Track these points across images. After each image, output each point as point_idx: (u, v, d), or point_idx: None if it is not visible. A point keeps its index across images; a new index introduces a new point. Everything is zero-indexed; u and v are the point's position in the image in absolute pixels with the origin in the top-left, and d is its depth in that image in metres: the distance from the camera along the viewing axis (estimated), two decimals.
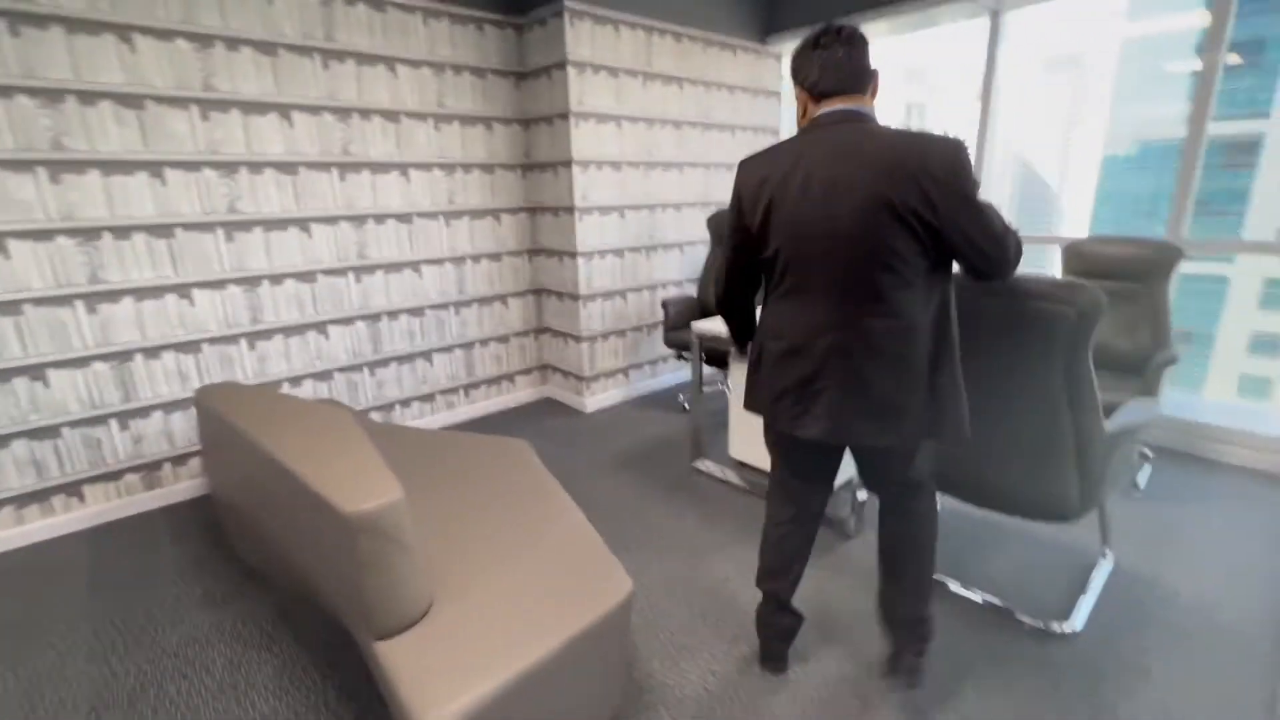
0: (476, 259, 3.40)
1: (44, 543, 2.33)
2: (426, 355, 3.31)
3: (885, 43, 3.84)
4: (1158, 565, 2.00)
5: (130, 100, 2.29)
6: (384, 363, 3.16)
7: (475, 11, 3.12)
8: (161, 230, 2.43)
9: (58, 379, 2.30)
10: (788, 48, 4.00)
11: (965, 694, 1.52)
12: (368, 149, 2.90)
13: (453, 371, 3.44)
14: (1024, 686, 1.54)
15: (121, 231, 2.35)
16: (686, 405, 3.56)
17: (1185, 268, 2.50)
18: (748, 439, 2.62)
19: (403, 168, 3.03)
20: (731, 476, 2.67)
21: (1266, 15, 20.34)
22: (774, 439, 1.54)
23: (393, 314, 3.14)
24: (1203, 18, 2.68)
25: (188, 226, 2.49)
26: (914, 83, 25.37)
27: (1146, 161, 26.56)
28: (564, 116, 3.17)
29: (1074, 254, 2.68)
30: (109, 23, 2.21)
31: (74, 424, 2.36)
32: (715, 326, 2.55)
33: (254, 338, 2.73)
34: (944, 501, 2.12)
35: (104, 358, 2.39)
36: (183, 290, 2.51)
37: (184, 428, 2.61)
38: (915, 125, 1.25)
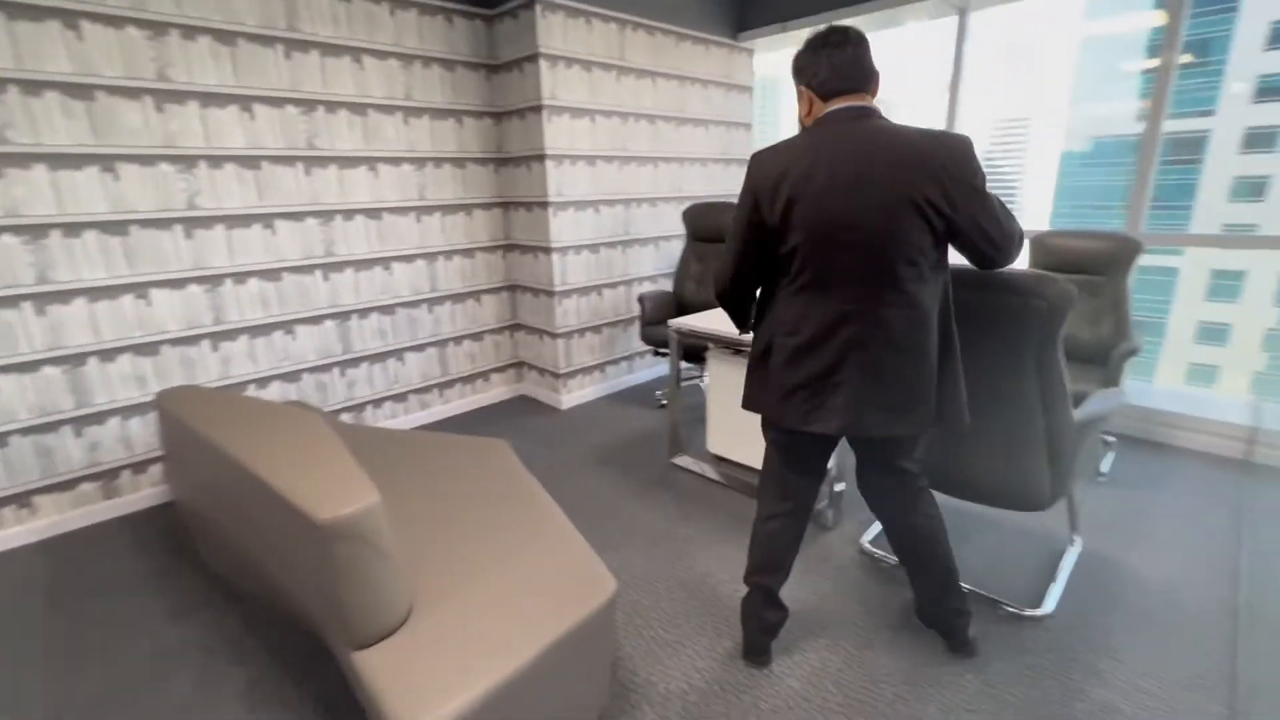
0: (449, 254, 3.34)
1: None
2: (398, 353, 3.24)
3: None
4: (1122, 549, 2.07)
5: (78, 90, 2.18)
6: (354, 362, 3.08)
7: (444, 2, 3.05)
8: (115, 227, 2.32)
9: (4, 384, 2.18)
10: (760, 44, 4.02)
11: (942, 679, 1.55)
12: (334, 142, 2.81)
13: (426, 370, 3.37)
14: (999, 670, 1.58)
15: (71, 229, 2.23)
16: (664, 401, 3.56)
17: (1139, 260, 2.59)
18: (726, 434, 2.63)
19: (371, 161, 2.95)
20: (710, 471, 2.68)
21: (1211, 17, 21.21)
22: (776, 435, 1.54)
23: (363, 312, 3.06)
24: (1159, 18, 2.76)
25: (144, 223, 2.38)
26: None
27: (1099, 157, 27.50)
28: (536, 110, 3.12)
29: (1040, 247, 2.74)
30: (53, 8, 2.09)
31: (24, 431, 2.25)
32: (693, 323, 2.54)
33: (217, 338, 2.63)
34: None
35: (55, 361, 2.27)
36: (139, 290, 2.41)
37: (143, 433, 2.50)
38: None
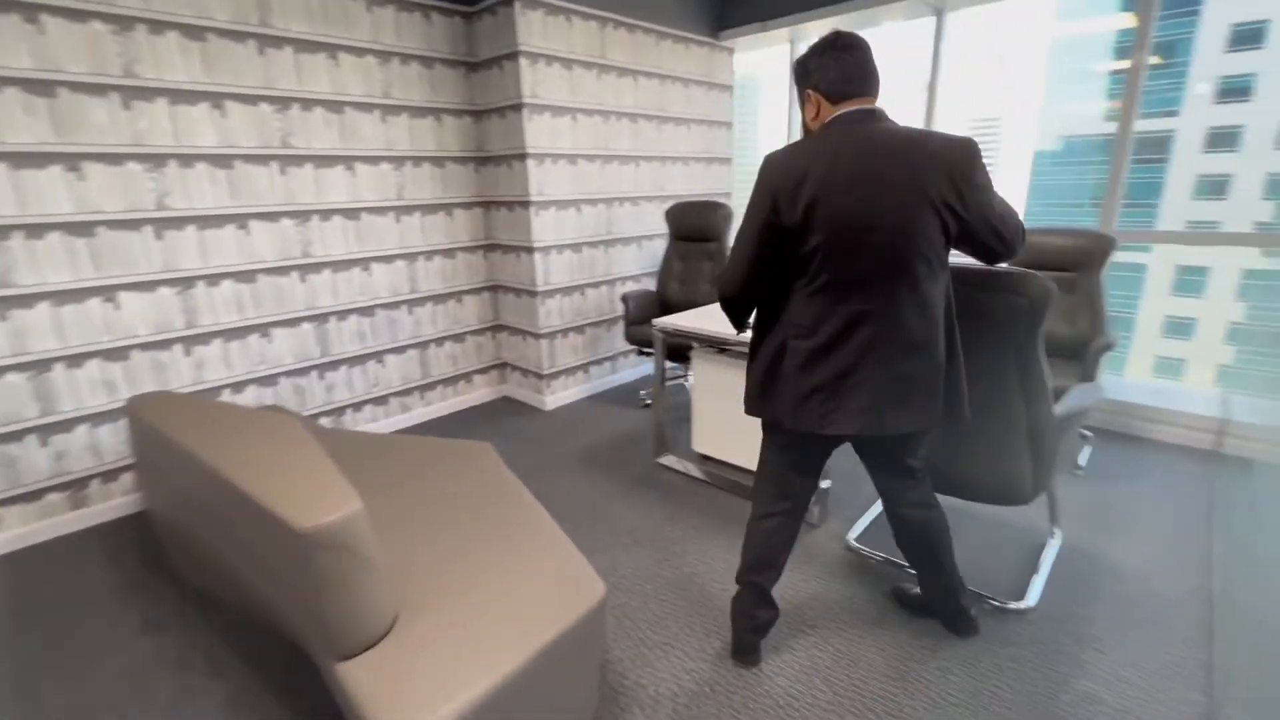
0: (429, 255, 3.29)
1: None
2: (378, 356, 3.19)
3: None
4: (1101, 540, 2.11)
5: (39, 87, 2.10)
6: (333, 365, 3.02)
7: None
8: (81, 228, 2.24)
9: None
10: (740, 42, 4.02)
11: (929, 673, 1.57)
12: (310, 141, 2.75)
13: (406, 372, 3.32)
14: (985, 662, 1.60)
15: (35, 230, 2.15)
16: (648, 401, 3.55)
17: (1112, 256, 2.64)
18: (711, 433, 2.63)
19: (348, 160, 2.89)
20: (695, 470, 2.67)
21: (1174, 19, 21.78)
22: (783, 437, 1.52)
23: (341, 313, 3.01)
24: (1128, 20, 2.82)
25: (111, 224, 2.30)
26: None
27: (1070, 156, 28.07)
28: (517, 108, 3.09)
29: None
30: (12, 1, 2.02)
31: None
32: (678, 322, 2.54)
33: (190, 342, 2.56)
34: None
35: (18, 368, 2.19)
36: (107, 293, 2.33)
37: (113, 441, 2.43)
38: None
